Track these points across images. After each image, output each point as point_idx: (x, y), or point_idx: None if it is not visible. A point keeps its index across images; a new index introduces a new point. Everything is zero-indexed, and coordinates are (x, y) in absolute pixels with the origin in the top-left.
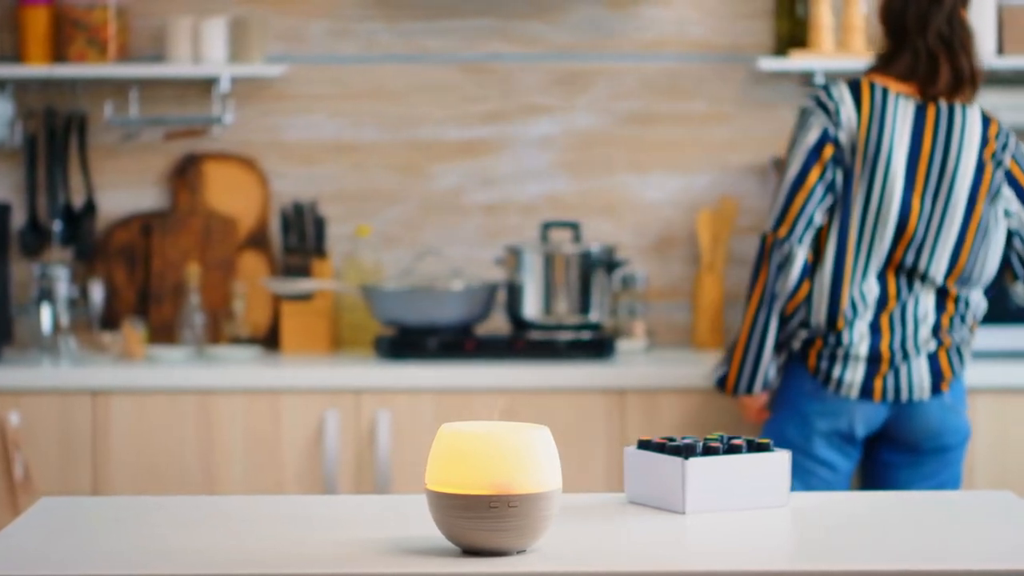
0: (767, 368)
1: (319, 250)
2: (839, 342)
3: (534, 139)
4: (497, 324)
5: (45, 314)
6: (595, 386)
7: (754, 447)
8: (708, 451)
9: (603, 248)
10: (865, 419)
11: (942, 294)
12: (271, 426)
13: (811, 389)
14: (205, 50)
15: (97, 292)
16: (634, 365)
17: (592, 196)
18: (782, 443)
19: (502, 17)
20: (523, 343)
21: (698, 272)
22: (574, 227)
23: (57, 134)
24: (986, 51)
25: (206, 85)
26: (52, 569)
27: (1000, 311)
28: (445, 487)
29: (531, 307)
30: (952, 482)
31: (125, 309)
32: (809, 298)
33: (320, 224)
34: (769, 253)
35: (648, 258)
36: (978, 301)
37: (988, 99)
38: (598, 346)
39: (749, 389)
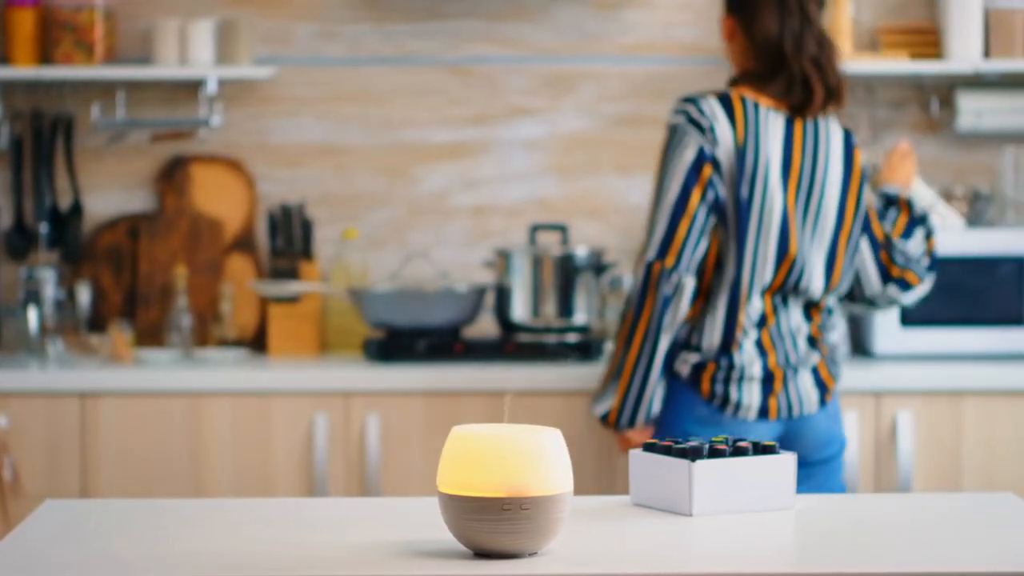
0: (652, 400)
1: (306, 252)
2: (732, 364)
3: (520, 141)
4: (486, 327)
5: (32, 316)
6: (583, 388)
7: (760, 449)
8: (714, 453)
9: (591, 251)
10: (760, 440)
11: (809, 304)
12: (260, 429)
13: (706, 415)
14: (192, 52)
15: (84, 294)
16: None
17: (578, 199)
18: None
19: (488, 19)
20: (512, 345)
21: None
22: (562, 230)
23: (44, 136)
24: (973, 54)
25: (193, 87)
26: (54, 572)
27: (988, 313)
28: (457, 489)
29: (519, 310)
30: (838, 491)
31: (112, 311)
32: (700, 320)
33: (307, 226)
34: (656, 283)
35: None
36: (835, 304)
37: (975, 102)
38: (586, 348)
39: (632, 422)
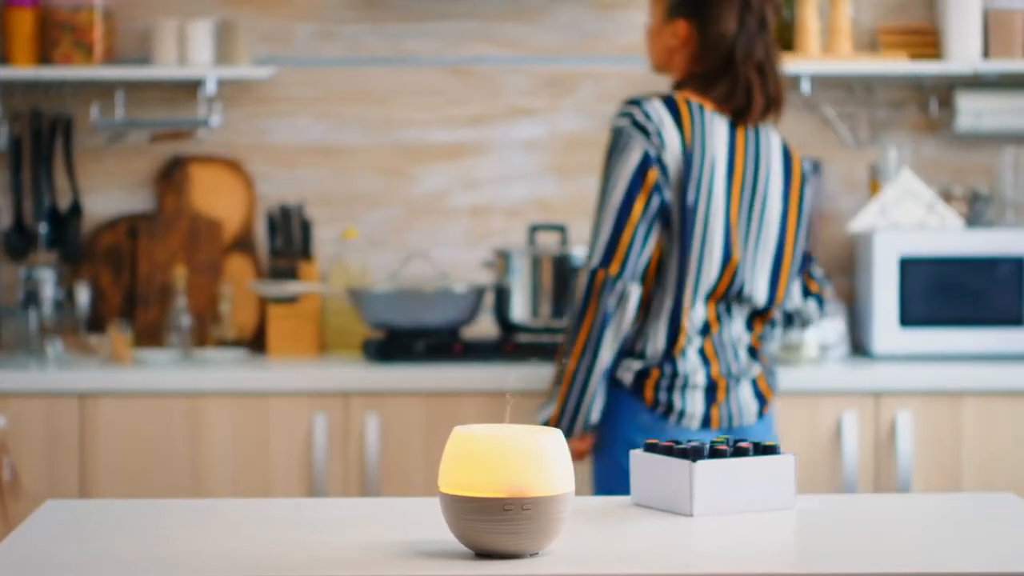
0: (590, 410)
1: (305, 253)
2: (676, 372)
3: (519, 142)
4: (485, 327)
5: (31, 317)
6: None
7: (760, 450)
8: (715, 453)
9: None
10: None
11: (752, 314)
12: (259, 429)
13: (648, 422)
14: (191, 52)
15: (83, 295)
16: None
17: (578, 199)
18: (621, 481)
19: (487, 20)
20: (511, 345)
21: None
22: (561, 230)
23: (43, 136)
24: (972, 54)
25: (192, 87)
26: (54, 572)
27: (988, 313)
28: (459, 490)
29: (519, 310)
30: None
31: (111, 312)
32: (644, 326)
33: (306, 227)
34: (600, 290)
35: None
36: (779, 316)
37: (974, 102)
38: None
39: (570, 432)
